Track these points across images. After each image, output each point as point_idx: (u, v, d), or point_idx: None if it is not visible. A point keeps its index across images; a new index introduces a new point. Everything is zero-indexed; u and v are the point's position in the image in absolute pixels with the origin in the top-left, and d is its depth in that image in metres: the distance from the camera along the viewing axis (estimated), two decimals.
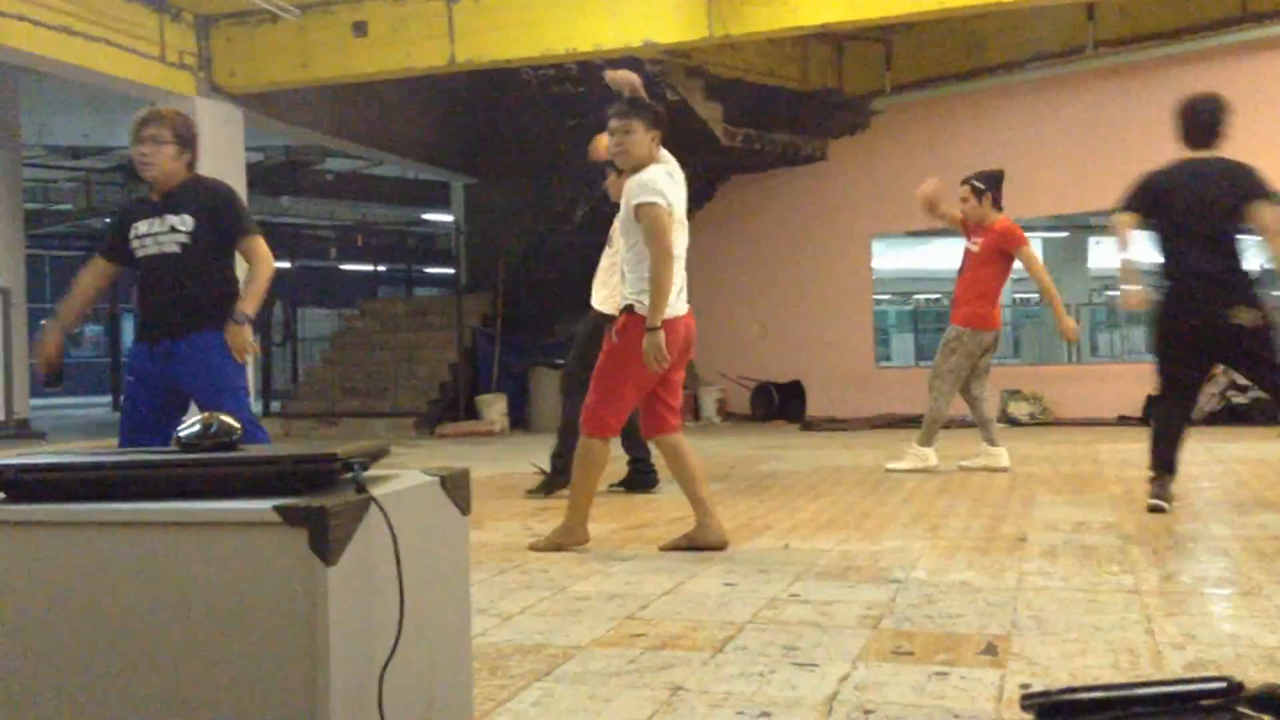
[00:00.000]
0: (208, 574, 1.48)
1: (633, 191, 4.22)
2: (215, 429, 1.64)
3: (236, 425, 1.66)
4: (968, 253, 6.86)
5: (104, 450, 1.86)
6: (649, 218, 4.15)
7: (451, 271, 16.16)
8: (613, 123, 4.29)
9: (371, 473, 1.71)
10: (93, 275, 4.38)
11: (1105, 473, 6.74)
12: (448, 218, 17.25)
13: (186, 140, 4.22)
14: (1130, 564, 3.86)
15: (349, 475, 1.59)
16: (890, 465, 6.96)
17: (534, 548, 4.43)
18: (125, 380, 4.37)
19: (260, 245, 4.28)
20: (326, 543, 1.42)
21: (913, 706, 2.35)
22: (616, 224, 5.01)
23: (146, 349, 4.22)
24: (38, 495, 1.59)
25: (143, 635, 1.51)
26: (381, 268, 24.72)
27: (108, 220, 4.65)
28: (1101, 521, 4.84)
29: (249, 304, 4.22)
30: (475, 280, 14.17)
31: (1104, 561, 3.91)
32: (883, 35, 11.81)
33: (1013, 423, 11.01)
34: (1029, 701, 1.37)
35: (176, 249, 4.13)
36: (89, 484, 1.59)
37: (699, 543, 4.30)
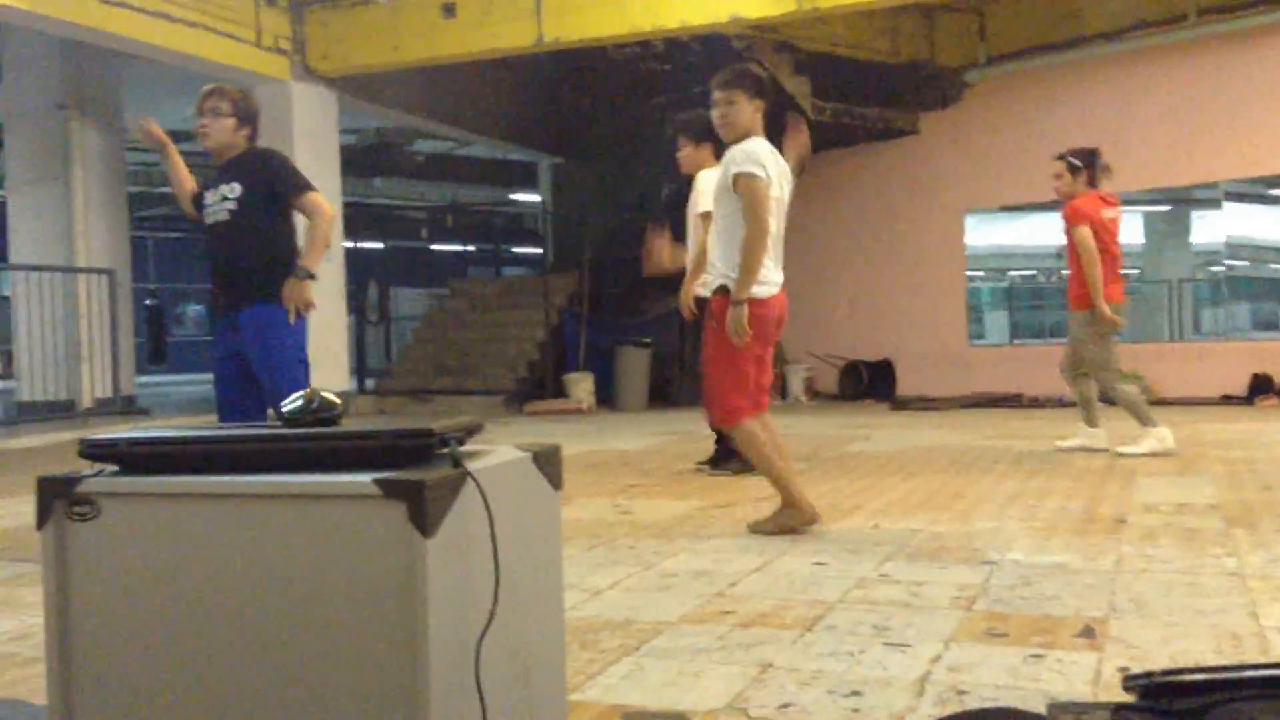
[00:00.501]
0: (310, 545, 1.52)
1: (734, 159, 4.13)
2: (317, 404, 1.68)
3: (337, 400, 1.69)
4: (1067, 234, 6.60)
5: (209, 425, 1.92)
6: (748, 189, 4.07)
7: (539, 251, 16.27)
8: (716, 93, 4.21)
9: (467, 448, 1.73)
10: (191, 183, 4.59)
11: (1208, 453, 6.55)
12: (535, 197, 17.37)
13: (245, 115, 4.36)
14: (1233, 546, 3.75)
15: (445, 450, 1.61)
16: (1122, 449, 6.48)
17: (756, 530, 4.23)
18: (212, 355, 4.50)
19: (315, 198, 4.36)
20: (425, 515, 1.45)
21: (1007, 688, 2.32)
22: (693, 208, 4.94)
23: (219, 323, 4.44)
24: (148, 468, 1.64)
25: (247, 604, 1.55)
26: (470, 248, 24.97)
27: None
28: (1204, 503, 4.71)
29: (311, 258, 4.33)
30: (562, 260, 14.25)
31: (1206, 544, 3.81)
32: (977, 5, 11.56)
33: (1112, 402, 10.73)
34: (1131, 683, 1.34)
35: (227, 216, 4.30)
36: (196, 457, 1.64)
37: (784, 524, 4.26)
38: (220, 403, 4.43)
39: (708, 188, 5.35)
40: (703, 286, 5.48)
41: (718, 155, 5.71)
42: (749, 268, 4.06)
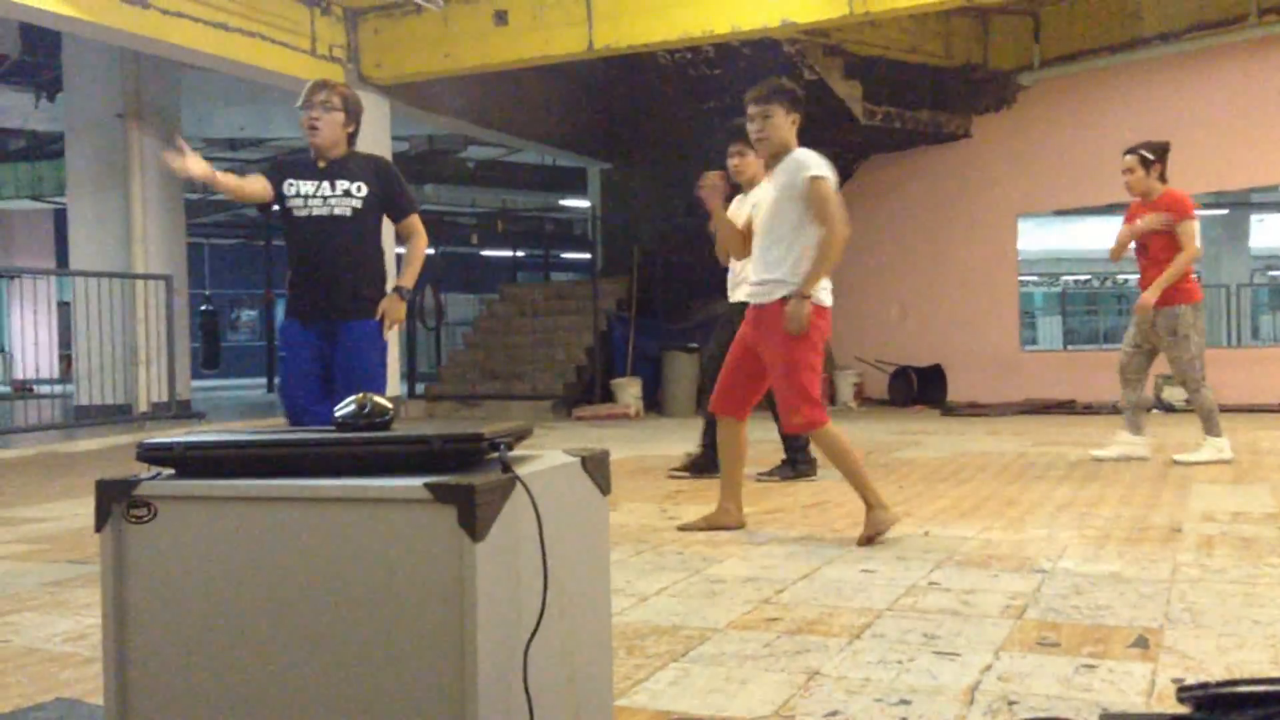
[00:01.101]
0: (361, 547, 1.54)
1: (805, 164, 4.15)
2: (369, 409, 1.70)
3: (389, 405, 1.72)
4: (1141, 232, 6.37)
5: (264, 429, 1.95)
6: (822, 192, 4.12)
7: (588, 256, 16.32)
8: (751, 108, 4.24)
9: (516, 453, 1.74)
10: (261, 183, 4.35)
11: (1265, 461, 6.42)
12: (584, 203, 17.43)
13: (353, 113, 4.32)
14: None
15: (495, 455, 1.63)
16: (1179, 457, 6.38)
17: (862, 542, 4.16)
18: (282, 358, 4.40)
19: (418, 222, 4.41)
20: (474, 519, 1.47)
21: (1058, 699, 2.29)
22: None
23: (299, 326, 4.27)
24: (204, 471, 1.67)
25: (299, 606, 1.58)
26: (520, 253, 25.12)
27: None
28: (1261, 511, 4.62)
29: (409, 278, 4.36)
30: (611, 265, 14.29)
31: (1264, 553, 3.74)
32: (1031, 7, 11.45)
33: (1168, 409, 10.57)
34: (1186, 694, 1.32)
35: (348, 212, 4.21)
36: (250, 461, 1.67)
37: (714, 524, 4.44)
38: (296, 403, 4.28)
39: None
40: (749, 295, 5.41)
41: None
42: (827, 265, 4.12)
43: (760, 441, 6.29)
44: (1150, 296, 6.30)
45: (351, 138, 4.34)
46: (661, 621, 3.04)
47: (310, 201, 4.22)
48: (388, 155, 10.94)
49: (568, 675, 1.76)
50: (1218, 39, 10.82)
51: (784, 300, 4.14)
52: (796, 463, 6.09)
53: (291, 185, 4.25)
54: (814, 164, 4.15)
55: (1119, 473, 6.03)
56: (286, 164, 4.43)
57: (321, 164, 4.27)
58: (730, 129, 6.10)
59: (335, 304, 4.22)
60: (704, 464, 6.18)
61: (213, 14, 8.86)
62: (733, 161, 6.01)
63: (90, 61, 11.23)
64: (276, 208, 4.30)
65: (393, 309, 4.29)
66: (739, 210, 6.24)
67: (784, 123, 4.21)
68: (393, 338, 10.88)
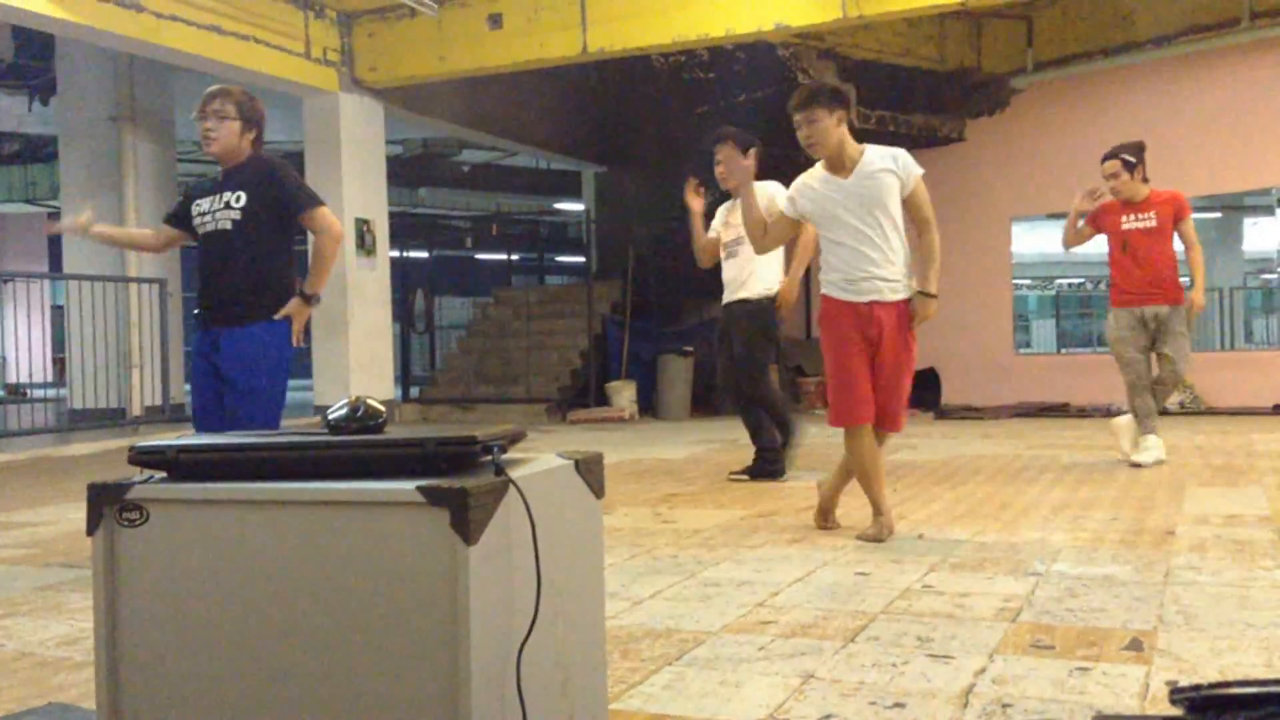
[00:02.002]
0: (353, 551, 1.54)
1: (904, 163, 4.22)
2: (362, 412, 1.70)
3: (382, 408, 1.71)
4: (1136, 232, 6.35)
5: (257, 432, 1.95)
6: (924, 190, 4.23)
7: (582, 260, 16.33)
8: (795, 117, 4.21)
9: (510, 456, 1.74)
10: (150, 231, 4.42)
11: (1259, 464, 6.43)
12: (579, 206, 17.44)
13: (251, 118, 4.11)
14: None
15: (488, 458, 1.63)
16: (1138, 459, 6.40)
17: (863, 538, 4.26)
18: (193, 368, 4.25)
19: (324, 215, 4.13)
20: (467, 523, 1.46)
21: (1053, 701, 2.30)
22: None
23: (200, 335, 4.16)
24: (196, 474, 1.67)
25: (291, 609, 1.57)
26: (515, 256, 25.13)
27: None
28: (1255, 515, 4.63)
29: (316, 281, 4.13)
30: (605, 268, 14.29)
31: (1257, 556, 3.74)
32: (1024, 11, 11.47)
33: (1162, 411, 10.57)
34: (1179, 696, 1.32)
35: (229, 225, 4.04)
36: (243, 464, 1.67)
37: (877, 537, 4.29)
38: (197, 414, 4.18)
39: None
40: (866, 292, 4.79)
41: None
42: (938, 259, 4.26)
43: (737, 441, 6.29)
44: (1200, 298, 6.38)
45: (255, 143, 4.15)
46: (656, 625, 3.03)
47: (204, 218, 4.13)
48: (381, 158, 10.96)
49: (561, 679, 1.76)
50: (1210, 43, 10.85)
51: (906, 300, 4.23)
52: (767, 462, 6.12)
53: (197, 205, 4.16)
54: (911, 161, 4.24)
55: (1112, 475, 6.04)
56: (197, 185, 4.32)
57: (219, 177, 4.16)
58: (716, 135, 6.19)
59: (218, 315, 4.08)
60: (764, 468, 6.13)
61: (206, 17, 8.85)
62: (719, 168, 6.06)
63: (84, 65, 11.22)
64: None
65: (296, 312, 4.07)
66: (718, 217, 6.35)
67: (831, 123, 4.18)
68: (382, 339, 10.92)
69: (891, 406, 4.27)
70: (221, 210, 4.07)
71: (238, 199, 4.05)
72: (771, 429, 6.15)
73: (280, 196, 4.10)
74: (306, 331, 4.22)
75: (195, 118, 4.12)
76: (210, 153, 4.12)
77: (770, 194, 5.58)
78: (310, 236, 4.22)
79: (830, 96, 4.21)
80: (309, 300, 4.12)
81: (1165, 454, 6.49)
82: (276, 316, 4.05)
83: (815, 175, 4.33)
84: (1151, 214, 6.36)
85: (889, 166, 4.22)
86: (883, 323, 4.21)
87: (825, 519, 4.55)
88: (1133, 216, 6.40)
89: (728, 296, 6.17)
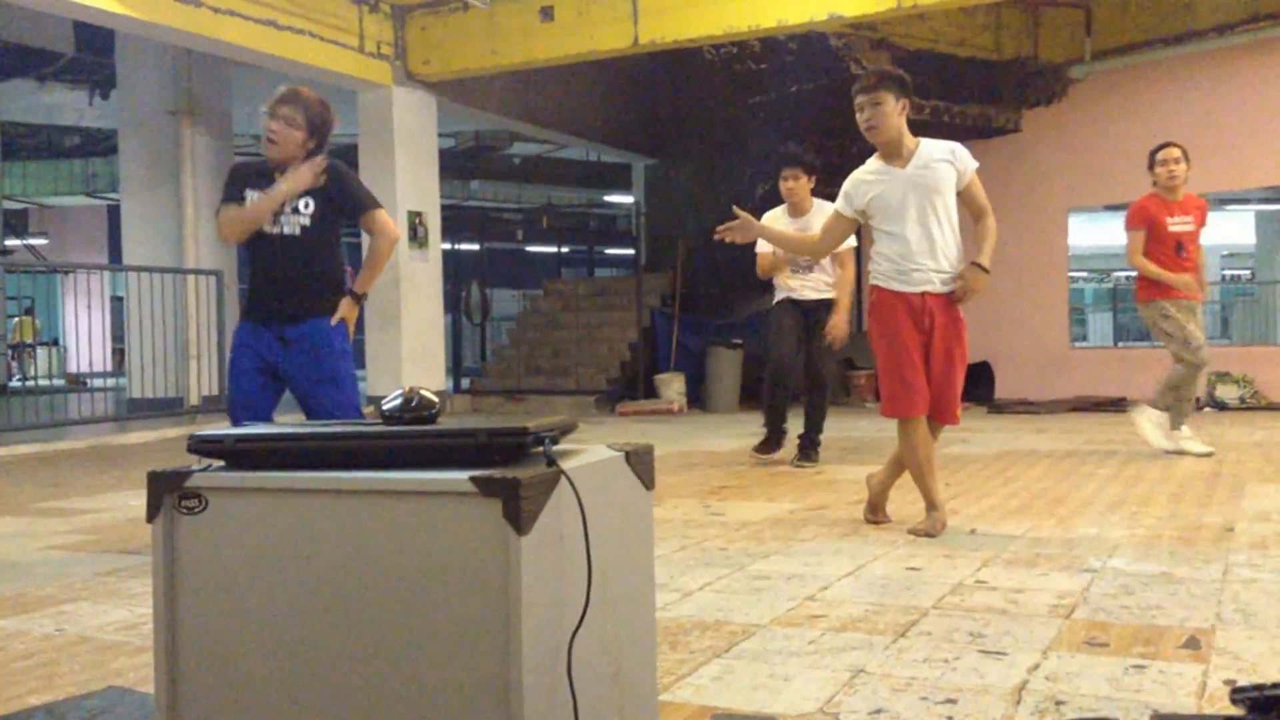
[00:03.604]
0: (407, 540, 1.55)
1: (961, 156, 4.24)
2: (416, 403, 1.71)
3: (436, 399, 1.73)
4: (1180, 233, 6.45)
5: (311, 423, 1.97)
6: (979, 183, 4.26)
7: (632, 252, 16.33)
8: (860, 98, 4.19)
9: (561, 447, 1.75)
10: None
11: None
12: (629, 199, 17.44)
13: (317, 128, 4.12)
14: None
15: (540, 449, 1.63)
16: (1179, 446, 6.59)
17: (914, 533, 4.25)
18: (231, 357, 4.26)
19: (382, 217, 4.19)
20: (519, 513, 1.47)
21: (1107, 699, 2.27)
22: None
23: (252, 328, 4.16)
24: (254, 463, 1.69)
25: (346, 597, 1.59)
26: (565, 249, 25.20)
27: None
28: None
29: (366, 281, 4.19)
30: (655, 260, 14.28)
31: None
32: None
33: (1221, 406, 10.40)
34: (1240, 695, 1.30)
35: (297, 232, 4.07)
36: (299, 453, 1.69)
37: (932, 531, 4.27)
38: (236, 406, 4.18)
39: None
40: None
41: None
42: (994, 240, 4.28)
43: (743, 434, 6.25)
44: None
45: (313, 152, 4.14)
46: (705, 617, 3.03)
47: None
48: (434, 151, 11.03)
49: (612, 669, 1.77)
50: (1273, 31, 10.61)
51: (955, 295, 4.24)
52: (809, 447, 6.67)
53: (251, 194, 4.12)
54: (969, 156, 4.26)
55: (1170, 471, 5.94)
56: (246, 171, 4.26)
57: (277, 175, 4.11)
58: (784, 155, 6.74)
59: (285, 311, 4.10)
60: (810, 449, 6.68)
61: (263, 12, 8.96)
62: (787, 184, 6.57)
63: (143, 59, 11.40)
64: None
65: (346, 313, 4.12)
66: (780, 224, 6.59)
67: (894, 110, 4.16)
68: (434, 331, 11.00)
69: (946, 398, 4.23)
70: (289, 215, 4.08)
71: (306, 205, 4.09)
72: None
73: (344, 198, 4.16)
74: (359, 325, 4.25)
75: (264, 110, 4.12)
76: (271, 156, 4.11)
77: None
78: (363, 234, 4.24)
79: (898, 83, 4.21)
80: (358, 299, 4.18)
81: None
82: (332, 321, 4.10)
83: (869, 167, 4.31)
84: (1192, 216, 6.50)
85: (946, 158, 4.22)
86: (935, 313, 4.18)
87: (875, 513, 4.52)
88: (1182, 216, 6.48)
89: (812, 295, 6.62)
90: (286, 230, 4.09)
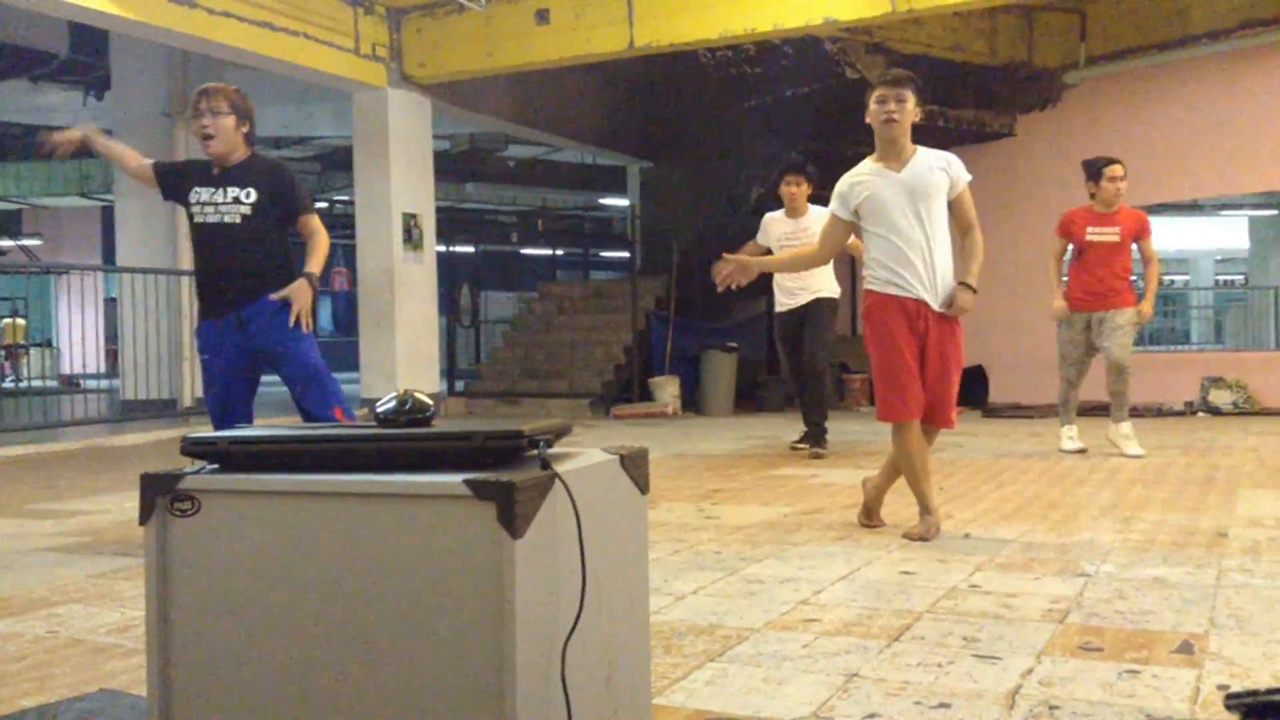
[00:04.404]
0: (402, 543, 1.55)
1: (955, 166, 4.27)
2: (410, 405, 1.71)
3: (430, 402, 1.72)
4: (1103, 244, 6.98)
5: (304, 425, 1.96)
6: (969, 196, 4.32)
7: (627, 255, 16.34)
8: (884, 89, 4.22)
9: (555, 450, 1.75)
10: (135, 157, 4.51)
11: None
12: (624, 202, 17.44)
13: (243, 113, 4.26)
14: None
15: (534, 452, 1.63)
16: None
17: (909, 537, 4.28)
18: (202, 360, 4.38)
19: (316, 221, 4.35)
20: (514, 517, 1.47)
21: (1101, 704, 2.27)
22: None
23: (213, 325, 4.27)
24: (247, 466, 1.69)
25: (340, 600, 1.59)
26: (560, 252, 25.19)
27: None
28: None
29: (313, 264, 4.28)
30: (650, 264, 14.28)
31: None
32: (1077, 4, 11.31)
33: (1214, 411, 10.42)
34: (1234, 701, 1.30)
35: (238, 219, 4.19)
36: (293, 456, 1.69)
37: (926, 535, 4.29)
38: (215, 407, 4.33)
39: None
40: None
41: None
42: (980, 258, 4.35)
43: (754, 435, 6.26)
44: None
45: (248, 139, 4.29)
46: (699, 621, 3.03)
47: (205, 208, 4.25)
48: (429, 153, 11.02)
49: (606, 673, 1.77)
50: (1267, 37, 10.64)
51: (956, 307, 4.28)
52: (820, 436, 7.12)
53: (195, 192, 4.26)
54: (964, 168, 4.32)
55: (1163, 476, 5.95)
56: (191, 168, 4.42)
57: (216, 170, 4.27)
58: (790, 163, 6.97)
59: (238, 295, 4.21)
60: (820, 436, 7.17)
61: (258, 13, 8.95)
62: (790, 189, 6.82)
63: (138, 60, 11.38)
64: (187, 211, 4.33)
65: (301, 293, 4.20)
66: (774, 229, 7.01)
67: (911, 110, 4.23)
68: (428, 333, 10.98)
69: (941, 402, 4.24)
70: (229, 205, 4.21)
71: (248, 195, 4.21)
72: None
73: (287, 197, 4.28)
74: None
75: (189, 117, 4.28)
76: (211, 150, 4.23)
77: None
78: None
79: (918, 87, 4.28)
80: (310, 280, 4.24)
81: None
82: (273, 296, 4.18)
83: (863, 168, 4.32)
84: (1118, 227, 6.99)
85: (941, 166, 4.26)
86: (929, 317, 4.19)
87: (870, 517, 4.52)
88: (1106, 228, 7.01)
89: (805, 296, 6.94)
90: (227, 218, 4.21)
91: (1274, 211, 17.85)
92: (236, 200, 4.20)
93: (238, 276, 4.21)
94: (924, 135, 4.38)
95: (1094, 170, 7.06)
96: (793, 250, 6.03)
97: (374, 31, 10.18)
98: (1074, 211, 7.14)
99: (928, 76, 11.04)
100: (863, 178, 4.28)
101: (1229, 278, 25.78)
